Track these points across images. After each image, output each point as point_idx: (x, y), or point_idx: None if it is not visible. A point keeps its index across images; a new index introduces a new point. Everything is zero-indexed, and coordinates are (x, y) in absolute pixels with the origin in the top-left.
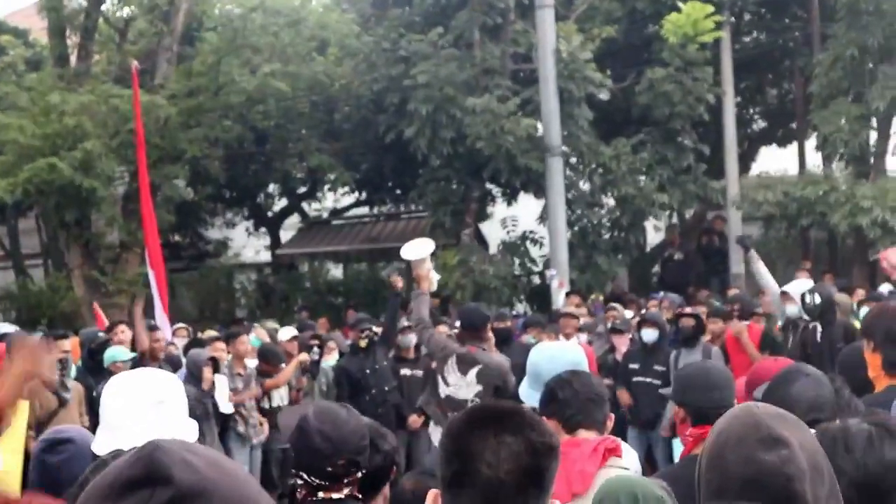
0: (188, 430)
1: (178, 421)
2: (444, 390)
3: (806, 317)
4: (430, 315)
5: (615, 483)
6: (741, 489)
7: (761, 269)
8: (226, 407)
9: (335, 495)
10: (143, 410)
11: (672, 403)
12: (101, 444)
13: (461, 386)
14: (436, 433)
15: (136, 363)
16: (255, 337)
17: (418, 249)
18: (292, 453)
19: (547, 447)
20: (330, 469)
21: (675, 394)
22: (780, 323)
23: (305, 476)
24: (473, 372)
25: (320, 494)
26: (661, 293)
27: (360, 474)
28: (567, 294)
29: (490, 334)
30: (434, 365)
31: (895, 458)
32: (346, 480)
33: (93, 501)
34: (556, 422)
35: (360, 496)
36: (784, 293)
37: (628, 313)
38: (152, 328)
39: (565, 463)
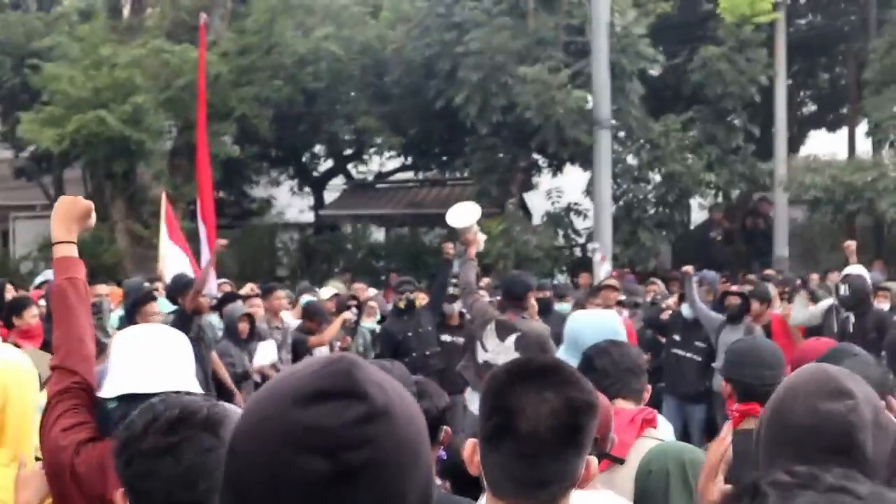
0: (189, 385)
1: (185, 375)
2: (482, 356)
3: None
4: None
5: (663, 449)
6: (803, 438)
7: (799, 307)
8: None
9: None
10: (153, 360)
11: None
12: (110, 389)
13: (499, 352)
14: (472, 398)
15: (182, 316)
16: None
17: (465, 216)
18: None
19: (587, 404)
20: None
21: (724, 369)
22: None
23: None
24: (512, 338)
25: None
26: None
27: None
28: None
29: (532, 303)
30: (474, 331)
31: None
32: None
33: (280, 405)
34: None
35: None
36: (847, 276)
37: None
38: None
39: None
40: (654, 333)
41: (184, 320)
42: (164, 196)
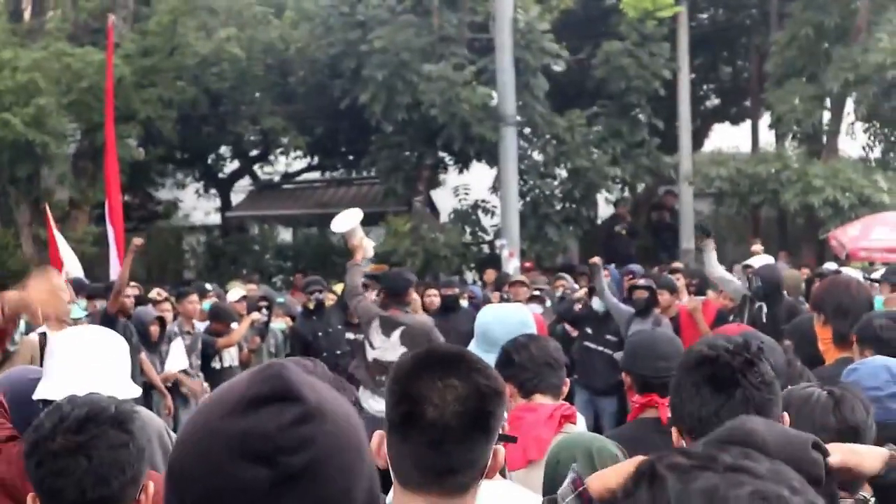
0: (129, 390)
1: (121, 378)
2: (370, 353)
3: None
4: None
5: (571, 440)
6: None
7: (713, 259)
8: (178, 365)
9: None
10: (88, 363)
11: None
12: (44, 391)
13: (386, 348)
14: (364, 396)
15: (105, 318)
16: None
17: (346, 221)
18: None
19: (493, 391)
20: None
21: (623, 361)
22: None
23: None
24: (397, 333)
25: None
26: (613, 265)
27: None
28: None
29: (414, 297)
30: (362, 330)
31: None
32: None
33: (214, 417)
34: (512, 386)
35: None
36: (747, 267)
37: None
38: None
39: (521, 428)
40: (565, 328)
41: (108, 322)
42: (47, 207)
